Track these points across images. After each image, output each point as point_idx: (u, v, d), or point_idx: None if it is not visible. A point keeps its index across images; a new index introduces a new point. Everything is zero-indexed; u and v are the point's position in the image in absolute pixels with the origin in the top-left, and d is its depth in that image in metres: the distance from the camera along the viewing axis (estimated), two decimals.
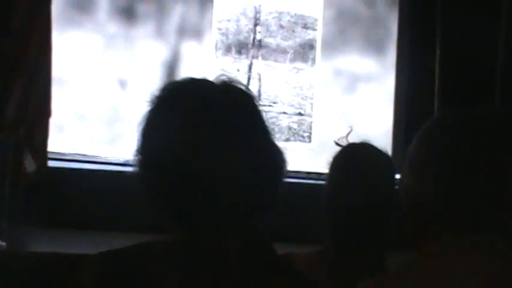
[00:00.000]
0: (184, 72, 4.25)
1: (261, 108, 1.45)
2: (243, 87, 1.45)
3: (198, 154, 1.36)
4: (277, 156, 1.43)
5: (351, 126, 4.48)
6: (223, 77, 1.45)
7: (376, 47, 4.59)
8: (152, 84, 4.18)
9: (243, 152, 1.38)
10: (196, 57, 4.31)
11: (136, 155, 1.40)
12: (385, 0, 4.62)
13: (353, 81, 4.55)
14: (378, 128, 4.52)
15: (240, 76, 4.35)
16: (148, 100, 1.41)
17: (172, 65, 4.28)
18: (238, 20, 4.38)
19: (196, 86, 1.45)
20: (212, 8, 4.36)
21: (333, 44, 4.51)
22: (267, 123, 1.44)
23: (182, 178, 1.36)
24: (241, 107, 1.43)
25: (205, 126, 1.38)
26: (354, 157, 2.12)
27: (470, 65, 4.16)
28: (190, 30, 4.32)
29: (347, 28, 4.55)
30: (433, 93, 4.30)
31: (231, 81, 1.45)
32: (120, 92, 4.24)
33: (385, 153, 2.15)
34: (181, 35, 4.30)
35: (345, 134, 4.40)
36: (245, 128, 1.41)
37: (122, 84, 4.24)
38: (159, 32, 4.28)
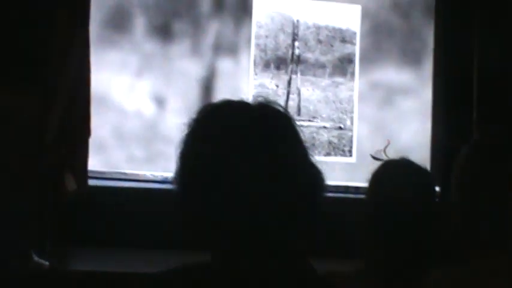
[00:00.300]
0: (222, 89, 4.27)
1: (299, 128, 1.44)
2: (280, 109, 1.45)
3: (236, 176, 1.37)
4: (316, 177, 1.43)
5: (388, 140, 4.49)
6: (260, 98, 1.45)
7: (412, 59, 4.57)
8: (190, 101, 4.21)
9: (280, 174, 1.39)
10: (233, 74, 4.33)
11: (175, 178, 1.41)
12: (420, 11, 4.60)
13: (391, 94, 4.52)
14: (416, 140, 4.49)
15: (279, 92, 4.36)
16: (186, 123, 1.42)
17: (209, 82, 4.30)
18: (276, 36, 4.39)
19: (233, 109, 1.46)
20: (250, 25, 4.37)
21: (370, 57, 4.50)
22: (305, 144, 1.44)
23: (219, 200, 1.37)
24: (279, 129, 1.43)
25: (243, 149, 1.38)
26: (392, 175, 2.10)
27: (509, 76, 4.11)
28: (227, 47, 4.34)
29: (383, 41, 4.53)
30: (471, 104, 4.26)
31: (268, 103, 1.45)
32: (157, 110, 4.27)
33: (424, 169, 2.13)
34: (218, 52, 4.32)
35: (383, 148, 4.41)
36: (283, 150, 1.41)
37: (160, 102, 4.27)
38: (196, 50, 4.30)
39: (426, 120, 4.54)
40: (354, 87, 4.47)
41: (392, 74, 4.54)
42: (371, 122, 4.49)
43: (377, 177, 2.09)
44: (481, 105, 4.20)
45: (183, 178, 1.40)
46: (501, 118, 4.05)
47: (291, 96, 4.39)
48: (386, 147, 4.43)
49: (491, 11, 4.21)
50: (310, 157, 1.44)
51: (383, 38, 4.54)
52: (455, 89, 4.37)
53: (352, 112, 4.45)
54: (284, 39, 4.40)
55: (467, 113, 4.23)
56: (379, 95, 4.52)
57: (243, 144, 1.38)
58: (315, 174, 1.42)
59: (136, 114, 4.22)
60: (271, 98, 4.07)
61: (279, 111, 1.44)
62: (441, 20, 4.49)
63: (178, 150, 1.41)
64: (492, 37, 4.16)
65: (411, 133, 4.51)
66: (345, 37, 4.48)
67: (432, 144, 4.49)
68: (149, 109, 4.25)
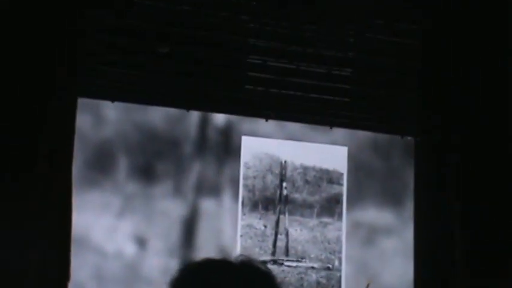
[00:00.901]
0: (205, 229, 4.26)
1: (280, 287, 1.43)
2: (261, 268, 1.44)
3: None
4: None
5: (368, 281, 4.45)
6: (242, 257, 1.44)
7: (393, 199, 4.60)
8: (171, 242, 4.19)
9: None
10: (216, 214, 4.33)
11: None
12: (400, 153, 4.67)
13: (374, 233, 4.53)
14: (399, 280, 4.46)
15: (267, 232, 4.34)
16: (168, 282, 1.41)
17: (191, 223, 4.29)
18: (264, 177, 4.42)
19: (215, 269, 1.44)
20: (234, 165, 4.41)
21: (354, 197, 4.53)
22: None
23: None
24: None
25: None
26: None
27: (492, 217, 4.11)
28: (210, 188, 4.36)
29: (365, 181, 4.58)
30: (453, 244, 4.24)
31: (250, 262, 1.44)
32: (138, 251, 4.24)
33: None
34: (201, 192, 4.33)
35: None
36: None
37: (141, 243, 4.25)
38: (178, 190, 4.32)
39: (409, 259, 4.52)
40: (341, 227, 4.46)
41: (375, 214, 4.55)
42: (357, 262, 4.46)
43: None
44: (463, 244, 4.18)
45: None
46: (486, 257, 4.03)
47: (279, 236, 4.38)
48: (367, 286, 4.39)
49: (470, 147, 4.26)
50: None
51: (365, 179, 4.58)
52: (437, 229, 4.36)
53: (340, 252, 4.44)
54: (272, 180, 4.43)
55: (449, 253, 4.20)
56: (363, 235, 4.51)
57: None
58: None
59: (117, 256, 4.18)
60: (260, 238, 4.10)
61: (260, 270, 1.43)
62: (420, 161, 4.55)
63: None
64: (474, 172, 4.18)
65: (394, 273, 4.50)
66: (331, 178, 4.51)
67: (415, 285, 4.45)
68: (130, 250, 4.22)
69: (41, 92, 3.79)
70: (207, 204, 4.33)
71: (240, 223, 4.32)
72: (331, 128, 4.57)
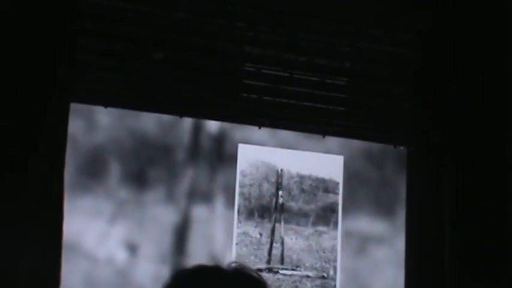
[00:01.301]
0: (197, 236, 4.25)
1: None
2: (254, 275, 1.44)
3: None
4: None
5: None
6: (235, 264, 1.44)
7: (386, 208, 4.60)
8: (163, 248, 4.19)
9: None
10: (209, 221, 4.33)
11: None
12: (393, 163, 4.67)
13: (366, 243, 4.53)
14: None
15: (262, 240, 4.34)
16: None
17: (183, 229, 4.29)
18: (260, 185, 4.42)
19: (207, 275, 1.44)
20: (228, 172, 4.41)
21: (350, 207, 4.53)
22: None
23: None
24: None
25: None
26: None
27: (482, 227, 4.11)
28: (203, 195, 4.36)
29: (358, 190, 4.58)
30: (443, 255, 4.24)
31: (242, 269, 1.44)
32: (130, 257, 4.23)
33: None
34: (194, 199, 4.33)
35: None
36: None
37: (132, 249, 4.24)
38: (171, 197, 4.32)
39: (400, 268, 4.52)
40: (336, 236, 4.46)
41: (368, 223, 4.55)
42: (350, 271, 4.47)
43: None
44: (454, 255, 4.17)
45: None
46: (476, 268, 4.02)
47: (274, 244, 4.37)
48: None
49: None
50: None
51: (359, 188, 4.58)
52: (427, 239, 4.36)
53: (335, 261, 4.44)
54: (268, 188, 4.43)
55: (440, 264, 4.20)
56: (357, 244, 4.51)
57: None
58: None
59: (108, 262, 4.18)
60: (255, 246, 4.10)
61: (253, 278, 1.42)
62: (413, 171, 4.55)
63: None
64: (466, 188, 4.18)
65: (386, 282, 4.49)
66: (327, 187, 4.51)
67: None
68: (121, 256, 4.22)
69: (41, 92, 3.79)
70: (199, 211, 4.33)
71: (235, 231, 4.32)
72: (323, 136, 4.57)
